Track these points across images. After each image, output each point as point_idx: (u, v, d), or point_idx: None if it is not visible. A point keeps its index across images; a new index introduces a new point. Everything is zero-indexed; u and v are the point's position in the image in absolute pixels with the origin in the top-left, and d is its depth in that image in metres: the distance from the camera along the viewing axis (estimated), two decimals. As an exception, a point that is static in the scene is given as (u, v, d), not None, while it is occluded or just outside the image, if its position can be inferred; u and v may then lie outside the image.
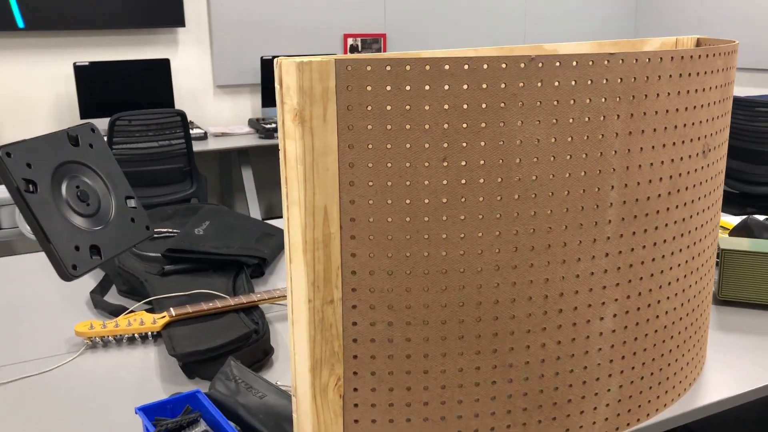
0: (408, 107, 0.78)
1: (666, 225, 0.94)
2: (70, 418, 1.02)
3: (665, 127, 0.90)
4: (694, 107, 0.93)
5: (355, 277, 0.83)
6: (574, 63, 0.81)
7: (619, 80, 0.84)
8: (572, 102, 0.82)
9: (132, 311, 1.37)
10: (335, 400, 0.86)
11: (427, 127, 0.79)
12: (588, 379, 0.93)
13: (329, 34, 4.37)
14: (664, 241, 0.95)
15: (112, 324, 1.26)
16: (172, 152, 3.35)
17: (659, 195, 0.92)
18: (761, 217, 1.65)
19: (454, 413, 0.89)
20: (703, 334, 1.13)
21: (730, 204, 4.02)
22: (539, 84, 0.80)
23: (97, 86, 3.64)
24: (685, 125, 0.92)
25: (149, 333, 1.29)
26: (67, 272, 0.89)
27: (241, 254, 1.54)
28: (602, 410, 0.96)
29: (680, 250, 0.98)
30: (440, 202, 0.82)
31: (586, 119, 0.83)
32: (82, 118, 3.64)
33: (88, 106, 3.64)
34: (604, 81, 0.83)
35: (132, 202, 0.99)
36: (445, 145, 0.80)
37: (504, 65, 0.79)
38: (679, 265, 0.98)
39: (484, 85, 0.79)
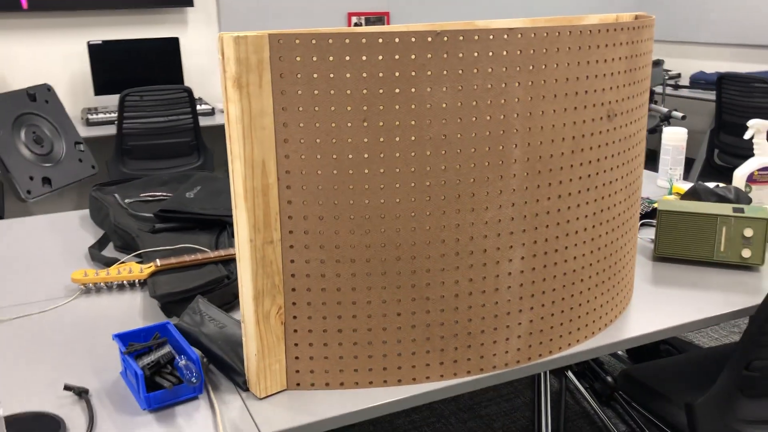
0: (332, 75, 0.92)
1: (570, 180, 1.07)
2: (62, 348, 1.19)
3: (566, 93, 1.03)
4: (596, 76, 1.06)
5: (291, 221, 0.98)
6: (476, 37, 0.94)
7: (518, 52, 0.97)
8: (475, 71, 0.96)
9: (123, 262, 1.53)
10: (277, 326, 1.02)
11: (348, 92, 0.93)
12: (499, 313, 1.07)
13: (334, 12, 4.49)
14: (569, 194, 1.08)
15: (104, 272, 1.43)
16: (180, 127, 3.52)
17: (562, 153, 1.05)
18: (711, 184, 1.76)
19: (380, 339, 1.04)
20: (621, 281, 1.26)
21: (723, 178, 4.09)
22: (445, 55, 0.94)
23: (109, 64, 3.82)
24: (587, 92, 1.05)
25: (137, 281, 1.45)
26: (23, 195, 1.08)
27: (224, 215, 1.69)
28: (514, 341, 1.10)
29: (587, 203, 1.11)
30: (362, 157, 0.96)
31: (489, 86, 0.97)
32: (96, 94, 3.82)
33: (101, 83, 3.82)
34: (504, 53, 0.96)
35: (81, 147, 1.16)
36: (365, 108, 0.94)
37: (413, 39, 0.92)
38: (586, 216, 1.12)
39: (397, 56, 0.93)
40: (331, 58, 0.92)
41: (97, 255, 1.58)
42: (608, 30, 1.05)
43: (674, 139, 2.08)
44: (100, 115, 3.64)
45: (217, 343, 1.09)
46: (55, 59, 3.89)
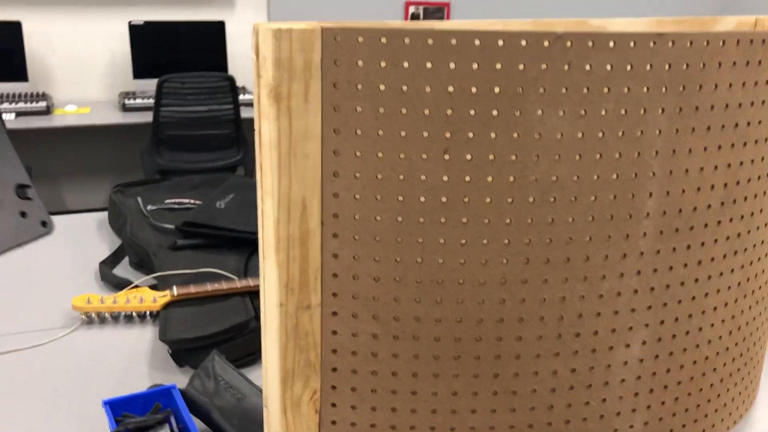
0: (405, 87, 0.66)
1: (716, 241, 0.79)
2: (43, 401, 0.97)
3: (723, 125, 0.75)
4: (763, 102, 0.77)
5: (336, 280, 0.72)
6: (611, 43, 0.67)
7: (666, 66, 0.69)
8: (606, 90, 0.68)
9: (136, 286, 1.30)
10: (310, 415, 0.76)
11: (426, 112, 0.67)
12: (606, 414, 0.80)
13: (390, 1, 4.21)
14: (712, 259, 0.80)
15: (110, 300, 1.20)
16: (221, 117, 3.30)
17: (709, 206, 0.77)
18: None
19: (446, 441, 0.78)
20: (756, 365, 0.97)
21: None
22: (566, 67, 0.67)
23: (151, 46, 3.62)
24: (749, 124, 0.77)
25: (148, 312, 1.22)
26: None
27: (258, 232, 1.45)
28: (622, 449, 0.83)
29: (732, 270, 0.83)
30: (439, 202, 0.70)
31: (623, 112, 0.69)
32: (135, 77, 3.63)
33: (141, 66, 3.63)
34: (648, 67, 0.68)
35: (28, 192, 0.90)
36: (448, 134, 0.68)
37: (524, 42, 0.65)
38: (729, 287, 0.84)
39: (498, 66, 0.66)
40: (406, 65, 0.65)
41: (107, 274, 1.35)
42: (784, 40, 0.77)
43: None
44: (138, 101, 3.45)
45: (232, 422, 0.85)
46: (95, 39, 3.71)
